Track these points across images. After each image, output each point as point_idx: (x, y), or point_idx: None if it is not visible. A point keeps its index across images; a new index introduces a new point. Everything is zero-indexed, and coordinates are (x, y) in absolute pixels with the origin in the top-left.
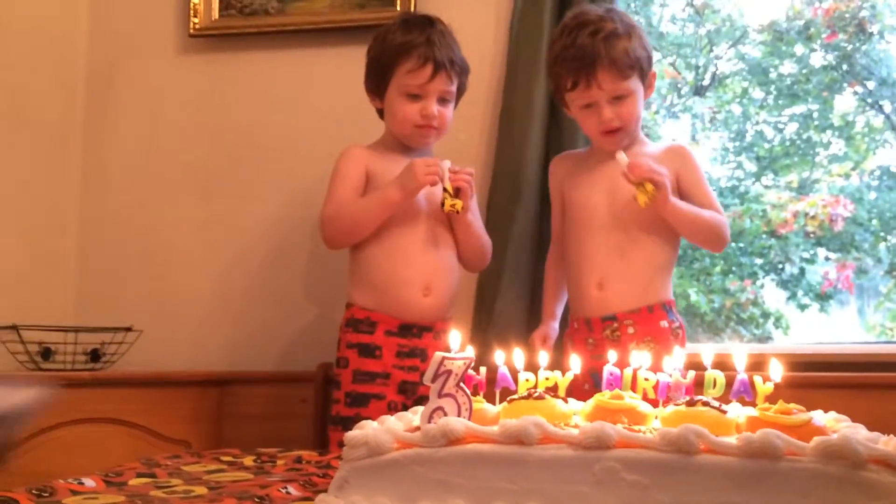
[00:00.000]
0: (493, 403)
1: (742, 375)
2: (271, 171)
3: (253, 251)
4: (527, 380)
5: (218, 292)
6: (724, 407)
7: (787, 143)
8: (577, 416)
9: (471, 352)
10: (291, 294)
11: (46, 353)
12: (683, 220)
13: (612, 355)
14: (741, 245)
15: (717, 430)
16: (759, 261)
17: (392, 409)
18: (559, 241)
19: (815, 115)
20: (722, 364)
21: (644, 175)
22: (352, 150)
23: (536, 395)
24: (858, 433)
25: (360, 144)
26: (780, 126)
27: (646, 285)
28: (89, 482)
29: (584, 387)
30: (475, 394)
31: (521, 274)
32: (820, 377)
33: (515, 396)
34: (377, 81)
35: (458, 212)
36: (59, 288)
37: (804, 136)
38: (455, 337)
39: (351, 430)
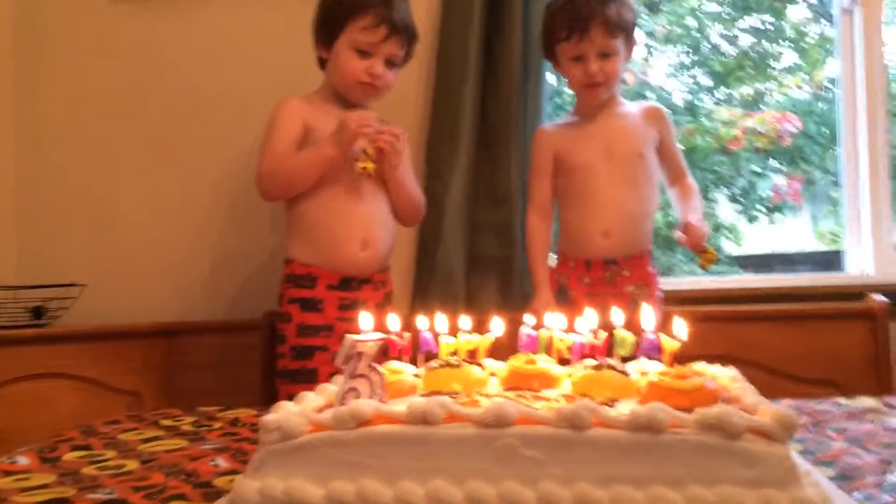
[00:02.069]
0: (417, 366)
1: (650, 335)
2: (212, 120)
3: (195, 201)
4: (448, 343)
5: (161, 244)
6: (627, 369)
7: (741, 56)
8: (493, 378)
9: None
10: (235, 243)
11: None
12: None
13: (527, 318)
14: (694, 161)
15: (620, 393)
16: (710, 176)
17: (336, 359)
18: (544, 205)
19: (768, 26)
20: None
21: (702, 242)
22: (289, 101)
23: (454, 363)
24: (746, 397)
25: (297, 96)
26: (734, 39)
27: (642, 233)
28: (23, 460)
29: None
30: (399, 359)
31: (460, 222)
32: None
33: (434, 364)
34: (328, 31)
35: (369, 175)
36: None
37: (757, 49)
38: (366, 318)
39: (298, 382)
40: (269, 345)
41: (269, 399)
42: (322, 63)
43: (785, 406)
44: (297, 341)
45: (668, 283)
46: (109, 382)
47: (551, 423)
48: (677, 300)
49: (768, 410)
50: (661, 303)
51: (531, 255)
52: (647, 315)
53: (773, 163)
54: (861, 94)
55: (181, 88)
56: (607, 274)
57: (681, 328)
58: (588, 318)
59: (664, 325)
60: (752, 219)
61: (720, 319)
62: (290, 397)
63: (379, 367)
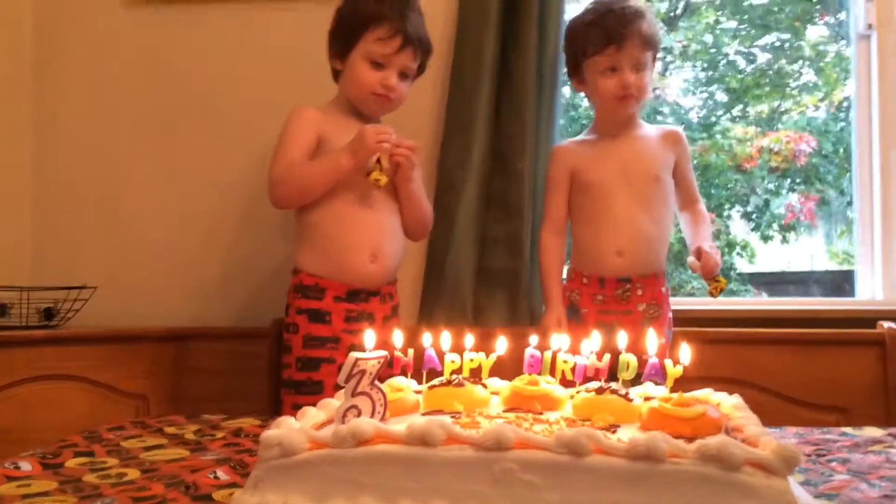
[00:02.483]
0: (420, 383)
1: (653, 359)
2: (226, 124)
3: (208, 205)
4: (452, 361)
5: (173, 248)
6: (630, 395)
7: (758, 74)
8: (495, 397)
9: (383, 351)
10: (246, 249)
11: (1, 311)
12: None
13: (532, 338)
14: (708, 178)
15: (622, 418)
16: (724, 193)
17: None
18: (559, 221)
19: (787, 45)
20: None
21: (715, 271)
22: (304, 109)
23: (455, 381)
24: (748, 428)
25: (312, 105)
26: (752, 57)
27: (656, 254)
28: (26, 465)
29: None
30: (403, 374)
31: (470, 232)
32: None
33: (436, 382)
34: (343, 42)
35: (378, 186)
36: (14, 246)
37: (775, 67)
38: (370, 336)
39: (303, 393)
40: (276, 353)
41: (275, 407)
42: (336, 75)
43: (790, 434)
44: (304, 352)
45: (678, 304)
46: (118, 385)
47: (550, 449)
48: (687, 321)
49: (770, 443)
50: (672, 323)
51: (544, 270)
52: (651, 340)
53: (787, 182)
54: (875, 117)
55: (195, 93)
56: (619, 292)
57: (684, 354)
58: (593, 340)
59: (674, 346)
60: (765, 238)
61: (728, 342)
62: (295, 408)
63: (381, 385)
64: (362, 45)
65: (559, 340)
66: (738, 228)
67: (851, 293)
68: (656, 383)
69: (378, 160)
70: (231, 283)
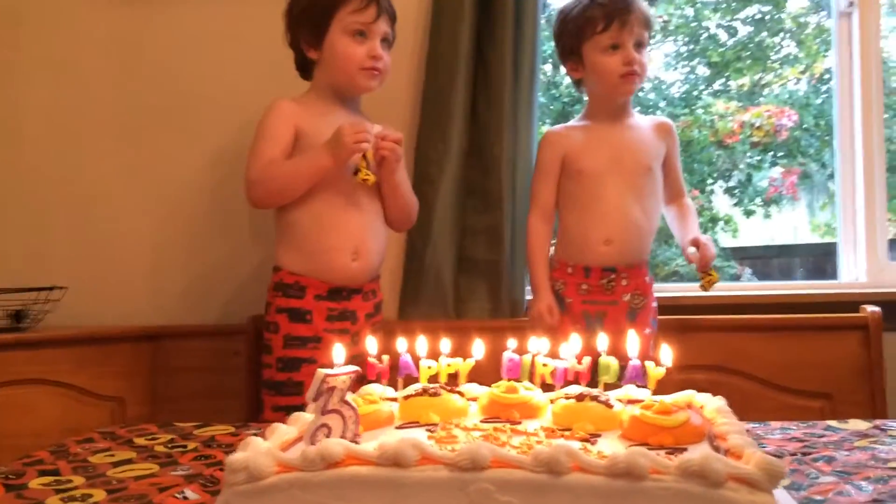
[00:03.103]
0: (396, 389)
1: (635, 361)
2: (200, 119)
3: (181, 202)
4: (429, 367)
5: (145, 245)
6: (611, 401)
7: (739, 47)
8: (473, 404)
9: (353, 366)
10: (220, 246)
11: None
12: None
13: (511, 342)
14: (690, 154)
15: (602, 426)
16: (706, 168)
17: None
18: (547, 208)
19: (768, 17)
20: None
21: (710, 263)
22: (280, 103)
23: (431, 391)
24: (731, 437)
25: (288, 97)
26: (733, 30)
27: (643, 244)
28: None
29: (576, 327)
30: (378, 381)
31: (449, 225)
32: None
33: (411, 392)
34: (314, 28)
35: (368, 185)
36: None
37: (756, 40)
38: (339, 351)
39: (284, 394)
40: (254, 350)
41: (255, 406)
42: (306, 66)
43: (774, 430)
44: (284, 352)
45: (661, 291)
46: (92, 388)
47: (527, 468)
48: (671, 309)
49: (754, 456)
50: (657, 312)
51: (532, 257)
52: (632, 341)
53: (769, 156)
54: (857, 96)
55: (167, 84)
56: (604, 282)
57: (666, 355)
58: (572, 343)
59: (658, 338)
60: (748, 213)
61: (713, 329)
62: (276, 410)
63: (352, 402)
64: (338, 23)
65: (538, 343)
66: (721, 203)
67: (835, 266)
68: (638, 385)
69: (364, 156)
70: (206, 281)
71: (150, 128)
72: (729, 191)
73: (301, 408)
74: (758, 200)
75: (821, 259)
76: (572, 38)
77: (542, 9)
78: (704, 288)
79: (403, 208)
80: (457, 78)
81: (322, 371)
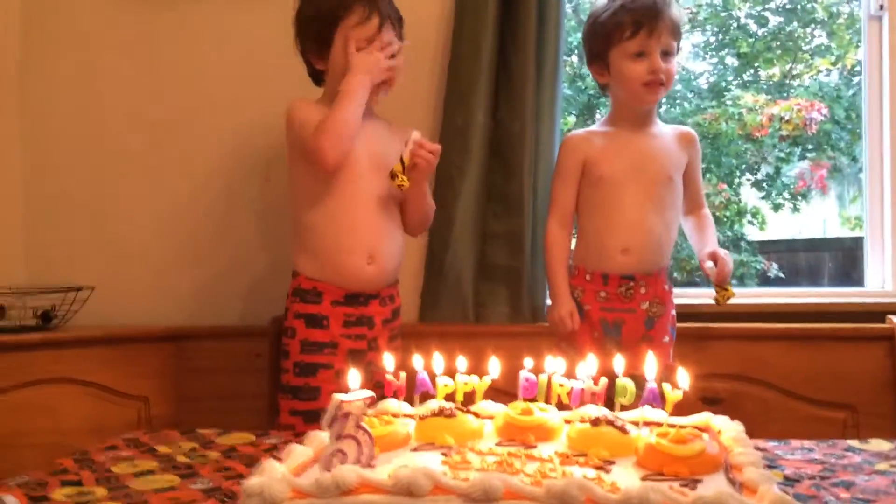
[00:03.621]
0: (412, 405)
1: (651, 384)
2: (220, 117)
3: (202, 201)
4: (445, 385)
5: (170, 246)
6: (627, 426)
7: (769, 38)
8: (489, 423)
9: (368, 391)
10: (245, 246)
11: None
12: None
13: (527, 362)
14: (718, 147)
15: (617, 452)
16: (735, 161)
17: (340, 377)
18: (566, 213)
19: (799, 7)
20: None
21: (728, 279)
22: (301, 101)
23: (447, 412)
24: (747, 469)
25: (307, 98)
26: (763, 20)
27: (662, 253)
28: (11, 500)
29: (594, 334)
30: (396, 397)
31: (469, 228)
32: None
33: (427, 413)
34: (318, 41)
35: (402, 190)
36: (6, 248)
37: (787, 30)
38: (354, 376)
39: (301, 399)
40: (276, 352)
41: (275, 408)
42: (316, 75)
43: (795, 449)
44: (301, 357)
45: (680, 297)
46: (118, 388)
47: (540, 500)
48: (691, 316)
49: (768, 493)
50: (675, 320)
51: (551, 262)
52: (650, 364)
53: (798, 149)
54: (886, 101)
55: (189, 84)
56: (623, 289)
57: (683, 379)
58: (589, 363)
59: (674, 347)
60: (776, 206)
61: (733, 337)
62: (293, 414)
63: (367, 427)
64: (340, 37)
65: (555, 363)
66: (749, 196)
67: (863, 262)
68: (654, 407)
69: (401, 159)
70: (230, 282)
71: (172, 128)
72: (757, 184)
73: (317, 412)
74: (786, 194)
75: (849, 253)
76: (600, 42)
77: (564, 11)
78: (719, 302)
79: (424, 214)
80: (479, 81)
81: (338, 397)
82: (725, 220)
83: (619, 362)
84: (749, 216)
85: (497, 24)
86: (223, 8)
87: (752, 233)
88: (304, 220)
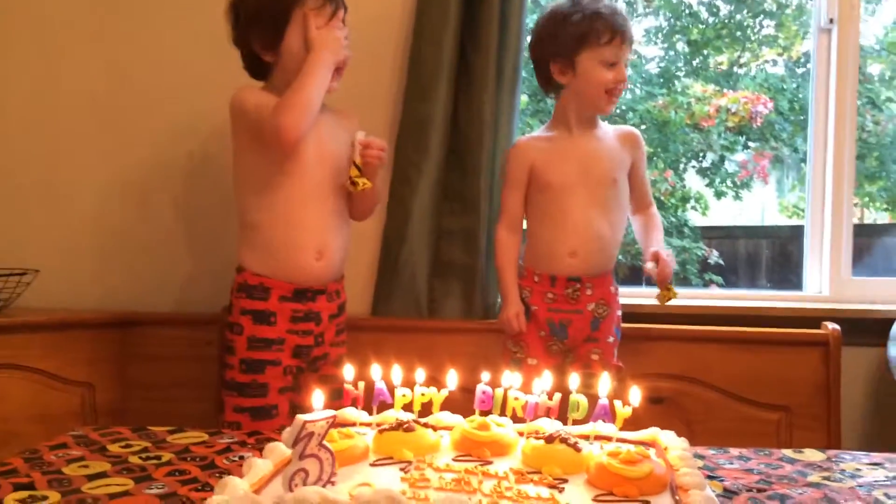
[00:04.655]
0: (371, 413)
1: (603, 400)
2: (175, 104)
3: (154, 188)
4: (404, 395)
5: (117, 229)
6: (580, 444)
7: (719, 26)
8: (446, 435)
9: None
10: (195, 233)
11: None
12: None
13: (484, 375)
14: (666, 135)
15: (570, 469)
16: (681, 148)
17: (288, 373)
18: (515, 218)
19: None
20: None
21: (669, 279)
22: (248, 89)
23: (405, 425)
24: (693, 494)
25: (252, 86)
26: (714, 9)
27: (609, 255)
28: None
29: (541, 333)
30: (353, 405)
31: (425, 226)
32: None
33: (385, 426)
34: (270, 30)
35: (365, 191)
36: None
37: (736, 19)
38: (318, 397)
39: (247, 396)
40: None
41: (221, 402)
42: (257, 68)
43: (732, 457)
44: (248, 354)
45: (626, 297)
46: (62, 374)
47: None
48: (636, 317)
49: None
50: (620, 321)
51: (501, 265)
52: (604, 382)
53: (742, 138)
54: (832, 115)
55: (144, 68)
56: (570, 291)
57: (635, 396)
58: (544, 379)
59: (621, 348)
60: (719, 194)
61: (676, 339)
62: (237, 411)
63: (328, 445)
64: (295, 24)
65: (511, 378)
66: (693, 183)
67: (800, 249)
68: (605, 422)
69: (354, 164)
70: (179, 268)
71: (126, 113)
72: (702, 171)
73: (264, 409)
74: (729, 182)
75: (787, 242)
76: (571, 42)
77: (527, 13)
78: (661, 302)
79: (371, 205)
80: (439, 81)
81: (301, 417)
82: (670, 206)
83: (573, 379)
84: (693, 202)
85: (459, 24)
86: None
87: (695, 218)
88: (251, 216)
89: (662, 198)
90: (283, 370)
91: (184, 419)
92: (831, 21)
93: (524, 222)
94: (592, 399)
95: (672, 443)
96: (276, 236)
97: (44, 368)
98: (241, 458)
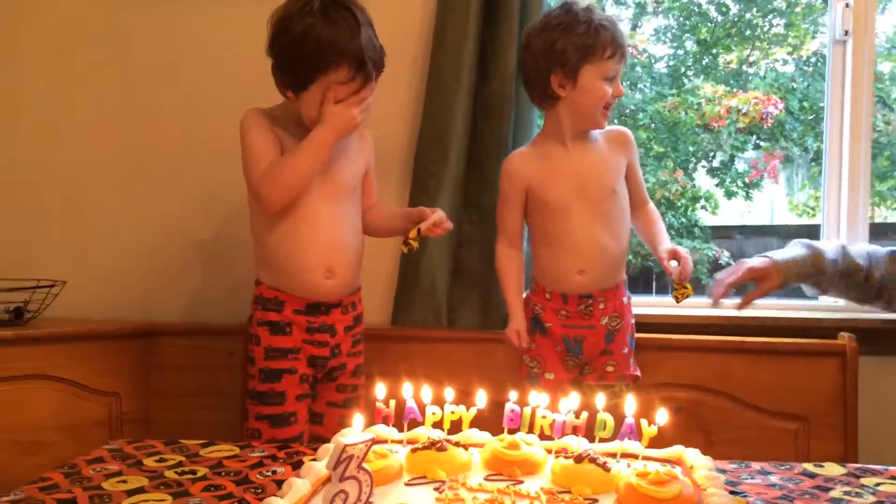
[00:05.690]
0: (401, 430)
1: (629, 420)
2: (199, 115)
3: (177, 199)
4: (433, 413)
5: (141, 239)
6: (609, 464)
7: (729, 25)
8: (476, 453)
9: (370, 434)
10: (220, 243)
11: None
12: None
13: (512, 394)
14: (676, 135)
15: (599, 489)
16: (691, 148)
17: (304, 381)
18: (514, 235)
19: None
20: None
21: (688, 278)
22: (255, 114)
23: (438, 445)
24: None
25: (258, 109)
26: (724, 8)
27: (617, 267)
28: None
29: (557, 349)
30: (385, 423)
31: (445, 235)
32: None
33: (419, 445)
34: (293, 80)
35: (407, 251)
36: None
37: (746, 18)
38: (358, 420)
39: (267, 404)
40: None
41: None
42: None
43: (754, 472)
44: (266, 364)
45: (639, 306)
46: (89, 383)
47: None
48: (652, 327)
49: None
50: (634, 330)
51: (503, 283)
52: (630, 402)
53: (752, 138)
54: (847, 125)
55: (167, 82)
56: (582, 307)
57: (662, 416)
58: (571, 399)
59: (638, 357)
60: (729, 194)
61: (693, 349)
62: (259, 419)
63: (367, 468)
64: (320, 86)
65: (538, 397)
66: (703, 183)
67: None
68: (630, 440)
69: (418, 230)
70: (205, 279)
71: (150, 124)
72: (711, 171)
73: (282, 416)
74: (739, 182)
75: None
76: (575, 53)
77: None
78: (677, 300)
79: (389, 232)
80: (458, 93)
81: (341, 440)
82: (680, 206)
83: (600, 399)
84: (703, 200)
85: (478, 36)
86: (201, 4)
87: (704, 217)
88: (262, 237)
89: (673, 199)
90: (300, 378)
91: (205, 428)
92: (846, 33)
93: (525, 242)
94: (619, 417)
95: (698, 461)
96: (285, 257)
97: (72, 378)
98: (274, 472)
